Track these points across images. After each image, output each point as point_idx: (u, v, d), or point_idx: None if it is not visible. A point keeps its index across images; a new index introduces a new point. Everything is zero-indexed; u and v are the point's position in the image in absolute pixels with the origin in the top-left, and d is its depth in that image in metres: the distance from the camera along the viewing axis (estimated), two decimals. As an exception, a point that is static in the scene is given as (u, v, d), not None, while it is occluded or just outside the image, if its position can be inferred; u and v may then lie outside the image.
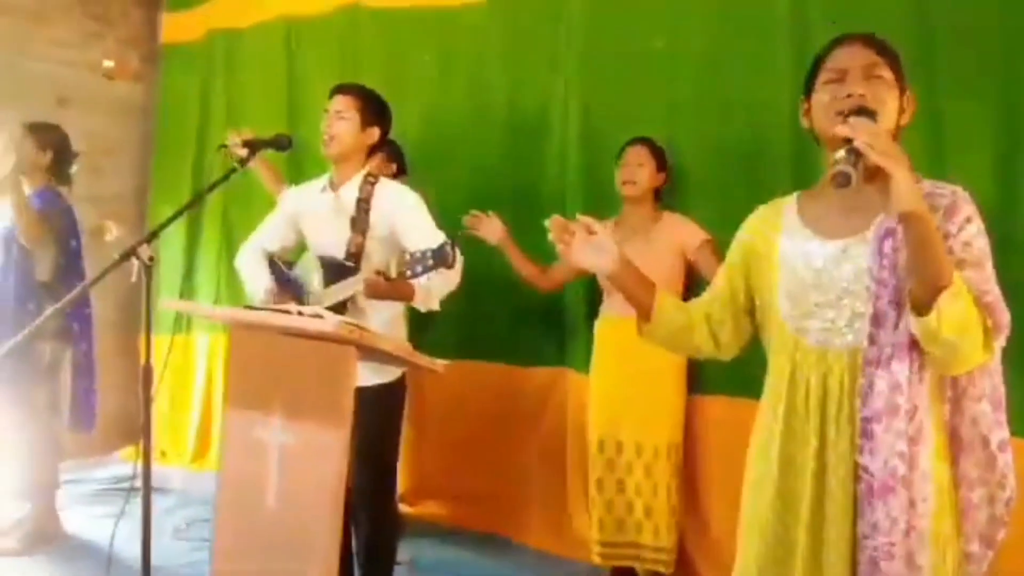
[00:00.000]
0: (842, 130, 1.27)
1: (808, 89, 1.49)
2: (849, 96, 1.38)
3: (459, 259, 2.20)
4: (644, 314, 1.60)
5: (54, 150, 3.32)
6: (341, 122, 2.51)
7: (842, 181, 1.23)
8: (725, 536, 3.02)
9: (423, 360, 2.18)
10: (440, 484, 3.74)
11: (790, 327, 1.45)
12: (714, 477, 3.06)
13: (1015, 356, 1.37)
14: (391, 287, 2.21)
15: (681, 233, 2.91)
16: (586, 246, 1.55)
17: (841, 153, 1.24)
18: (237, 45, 4.54)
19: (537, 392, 3.52)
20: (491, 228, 3.08)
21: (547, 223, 1.56)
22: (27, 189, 3.23)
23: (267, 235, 2.70)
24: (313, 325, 1.86)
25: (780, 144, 2.95)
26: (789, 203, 1.53)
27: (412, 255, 2.12)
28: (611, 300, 2.98)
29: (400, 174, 3.60)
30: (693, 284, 2.95)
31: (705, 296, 1.63)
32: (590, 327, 3.17)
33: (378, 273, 2.17)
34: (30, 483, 3.31)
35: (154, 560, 2.08)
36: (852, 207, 1.41)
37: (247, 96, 4.48)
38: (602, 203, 3.17)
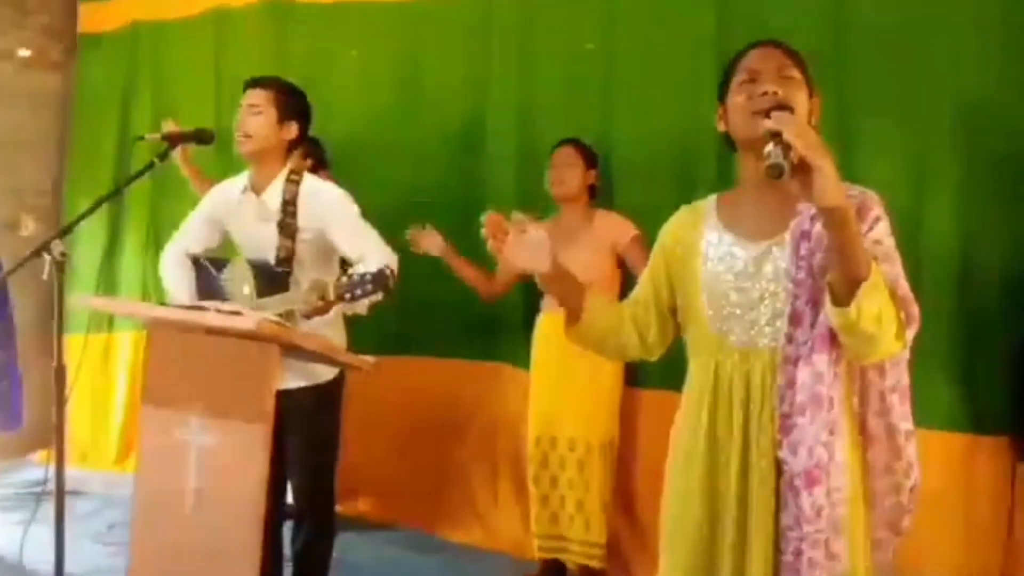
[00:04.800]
0: (768, 124, 1.27)
1: (722, 94, 1.51)
2: (764, 94, 1.40)
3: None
4: (574, 316, 1.59)
5: None
6: (256, 117, 2.36)
7: (776, 173, 1.22)
8: (654, 529, 3.08)
9: (349, 358, 2.16)
10: (369, 481, 3.70)
11: (713, 328, 1.48)
12: (645, 470, 3.09)
13: (917, 351, 1.42)
14: (327, 306, 2.15)
15: (613, 231, 2.95)
16: (521, 245, 1.50)
17: (771, 147, 1.24)
18: (164, 37, 4.44)
19: (470, 387, 3.51)
20: (432, 241, 3.12)
21: (483, 218, 1.51)
22: None
23: (189, 237, 2.58)
24: (232, 323, 1.84)
25: (707, 142, 2.99)
26: (708, 206, 1.55)
27: (351, 278, 2.06)
28: (551, 297, 2.99)
29: (318, 169, 3.55)
30: (630, 281, 2.98)
31: (630, 298, 1.64)
32: (526, 323, 3.18)
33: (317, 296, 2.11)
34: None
35: (71, 567, 2.03)
36: (769, 209, 1.44)
37: (174, 90, 4.38)
38: (537, 203, 3.16)
